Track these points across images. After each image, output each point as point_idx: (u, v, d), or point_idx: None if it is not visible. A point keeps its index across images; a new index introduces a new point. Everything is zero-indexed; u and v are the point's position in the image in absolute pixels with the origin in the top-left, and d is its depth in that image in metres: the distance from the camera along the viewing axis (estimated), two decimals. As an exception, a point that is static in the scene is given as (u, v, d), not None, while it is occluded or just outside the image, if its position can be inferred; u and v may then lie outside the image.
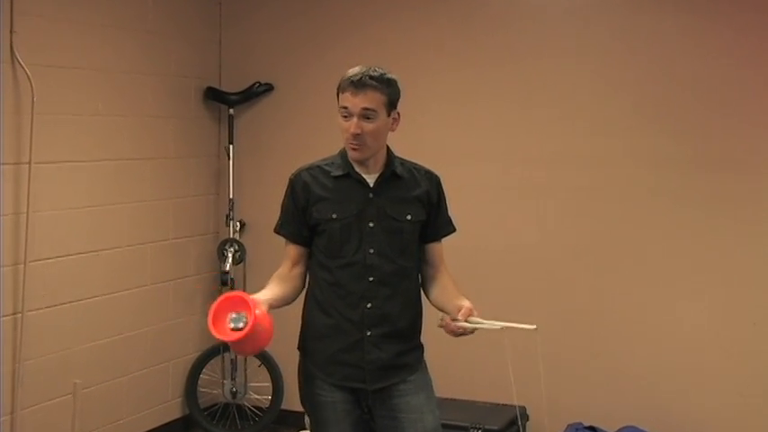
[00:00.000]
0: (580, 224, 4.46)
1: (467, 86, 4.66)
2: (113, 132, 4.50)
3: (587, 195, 4.44)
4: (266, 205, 4.37)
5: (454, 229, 3.00)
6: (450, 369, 4.32)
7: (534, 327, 2.63)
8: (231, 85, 5.10)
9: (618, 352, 4.38)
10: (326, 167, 2.87)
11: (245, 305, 2.50)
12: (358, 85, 2.71)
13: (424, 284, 2.95)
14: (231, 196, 5.05)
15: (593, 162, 4.41)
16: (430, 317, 2.88)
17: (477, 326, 2.70)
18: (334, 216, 2.80)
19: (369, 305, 2.80)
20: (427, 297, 2.94)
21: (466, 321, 2.71)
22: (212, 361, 5.07)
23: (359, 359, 2.81)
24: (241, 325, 2.48)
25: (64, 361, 4.25)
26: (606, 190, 4.40)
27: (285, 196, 2.91)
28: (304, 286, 2.91)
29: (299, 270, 2.89)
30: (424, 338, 2.93)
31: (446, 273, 2.95)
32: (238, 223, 5.04)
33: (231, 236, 5.02)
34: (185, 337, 5.01)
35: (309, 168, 2.89)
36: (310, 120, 4.95)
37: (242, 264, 5.00)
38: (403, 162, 2.92)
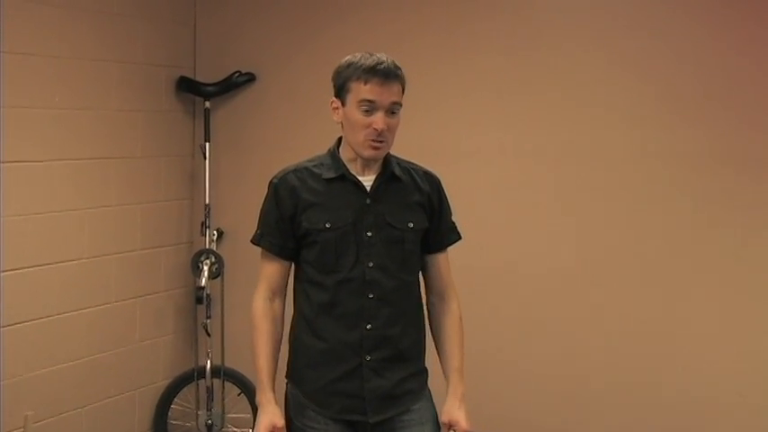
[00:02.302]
0: (614, 234, 4.40)
1: (473, 76, 4.59)
2: (72, 128, 4.43)
3: (625, 197, 4.39)
4: (247, 211, 4.55)
5: (459, 237, 2.97)
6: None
7: None
8: (207, 75, 5.07)
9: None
10: (315, 169, 2.82)
11: None
12: (387, 74, 2.67)
13: (429, 316, 2.94)
14: (207, 201, 5.00)
15: (627, 160, 4.37)
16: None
17: None
18: (327, 225, 2.76)
19: (368, 326, 2.77)
20: (431, 331, 2.94)
21: None
22: (185, 389, 5.01)
23: (358, 388, 2.78)
24: None
25: (13, 390, 4.18)
26: (645, 191, 4.35)
27: (266, 202, 2.86)
28: (282, 326, 2.89)
29: (280, 303, 2.85)
30: (427, 361, 2.93)
31: (455, 313, 2.92)
32: (215, 232, 5.01)
33: (207, 246, 4.96)
34: (154, 361, 4.97)
35: (296, 170, 2.84)
36: (297, 114, 4.91)
37: (219, 278, 4.95)
38: (399, 161, 2.89)
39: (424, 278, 2.94)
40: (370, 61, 2.68)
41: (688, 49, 4.23)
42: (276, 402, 2.75)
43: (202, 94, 5.01)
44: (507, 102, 4.53)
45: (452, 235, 2.95)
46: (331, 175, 2.79)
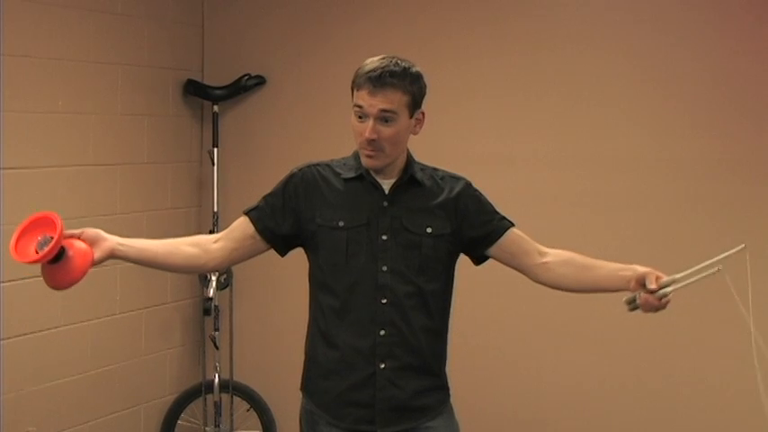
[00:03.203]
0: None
1: (496, 78, 4.57)
2: (75, 133, 4.44)
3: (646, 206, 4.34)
4: None
5: (512, 224, 2.89)
6: (482, 417, 4.22)
7: (742, 245, 2.60)
8: (215, 78, 5.06)
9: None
10: (337, 168, 2.85)
11: (52, 226, 2.49)
12: (376, 82, 2.66)
13: (547, 279, 2.86)
14: (215, 209, 5.00)
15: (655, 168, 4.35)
16: (456, 355, 2.88)
17: (686, 282, 2.64)
18: (341, 224, 2.76)
19: (382, 332, 2.75)
20: (562, 287, 2.86)
21: (661, 289, 2.65)
22: (192, 404, 4.99)
23: (370, 397, 2.77)
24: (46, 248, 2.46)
25: (14, 405, 4.18)
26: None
27: (277, 185, 2.84)
28: (205, 267, 2.86)
29: (221, 246, 2.80)
30: (453, 380, 2.89)
31: (559, 250, 2.84)
32: None
33: None
34: (160, 375, 4.96)
35: (319, 165, 2.86)
36: (308, 118, 4.90)
37: (228, 289, 4.95)
38: (423, 167, 2.88)
39: (512, 263, 2.86)
40: (367, 66, 2.70)
41: (707, 56, 4.23)
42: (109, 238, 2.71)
43: (211, 98, 5.01)
44: (515, 108, 4.54)
45: (505, 222, 2.87)
46: (350, 174, 2.80)
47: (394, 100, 2.68)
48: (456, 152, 4.42)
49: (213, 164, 4.98)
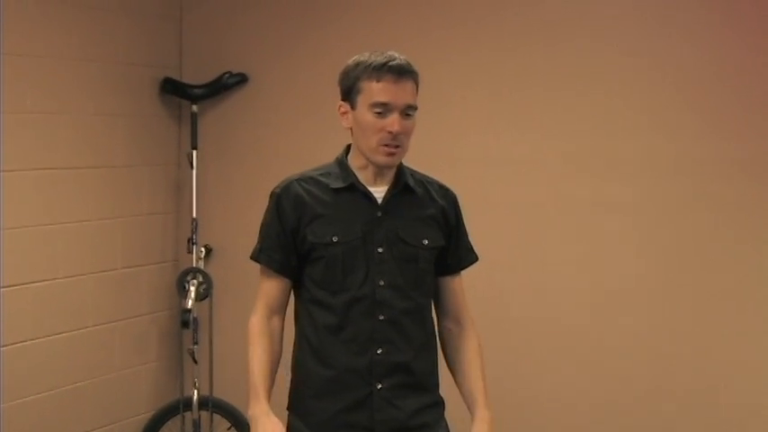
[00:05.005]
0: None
1: (480, 76, 4.57)
2: (44, 135, 4.43)
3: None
4: (238, 226, 4.56)
5: (477, 258, 3.02)
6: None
7: None
8: (194, 76, 5.06)
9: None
10: (322, 178, 2.84)
11: None
12: (400, 72, 2.69)
13: (442, 340, 2.97)
14: (194, 215, 5.00)
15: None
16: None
17: None
18: (334, 239, 2.76)
19: (379, 350, 2.77)
20: (443, 354, 2.97)
21: None
22: (169, 422, 4.95)
23: (367, 419, 2.78)
24: None
25: None
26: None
27: (267, 213, 2.86)
28: (281, 343, 2.90)
29: (279, 321, 2.86)
30: (443, 391, 2.93)
31: (471, 334, 2.95)
32: (203, 249, 5.02)
33: (194, 264, 4.97)
34: (135, 392, 4.96)
35: (301, 179, 2.85)
36: (293, 119, 4.91)
37: (207, 299, 4.93)
38: (413, 172, 2.91)
39: (436, 302, 2.96)
40: (381, 58, 2.70)
41: (718, 54, 4.24)
42: (272, 414, 2.74)
43: (189, 97, 5.01)
44: (515, 108, 4.53)
45: (470, 255, 2.99)
46: (339, 184, 2.80)
47: (413, 92, 2.74)
48: (445, 153, 4.49)
49: (192, 167, 4.97)
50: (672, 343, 4.32)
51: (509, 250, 4.55)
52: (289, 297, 2.88)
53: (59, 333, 4.48)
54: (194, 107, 4.99)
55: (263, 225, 2.86)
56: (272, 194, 2.84)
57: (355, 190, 2.79)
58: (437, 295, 2.95)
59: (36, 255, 4.38)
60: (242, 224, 4.68)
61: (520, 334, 4.47)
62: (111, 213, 4.75)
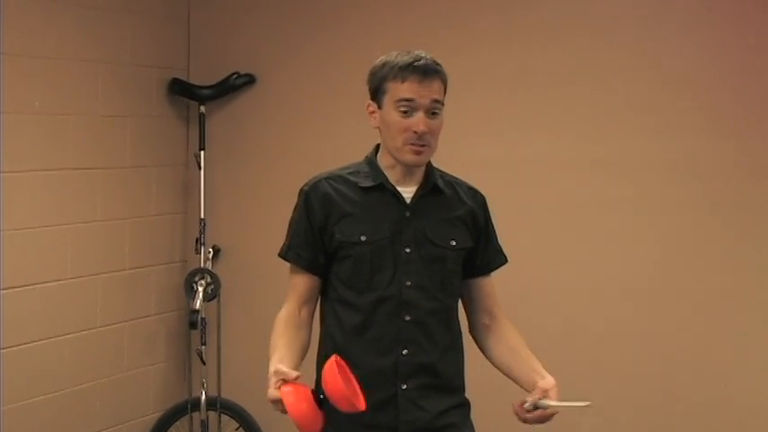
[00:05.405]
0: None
1: (498, 76, 4.57)
2: (53, 136, 4.42)
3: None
4: (246, 227, 4.53)
5: (506, 260, 3.01)
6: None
7: (588, 403, 2.70)
8: (202, 77, 5.05)
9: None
10: (350, 177, 2.84)
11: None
12: (426, 71, 2.70)
13: (479, 338, 2.96)
14: (202, 215, 4.99)
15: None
16: (473, 365, 2.92)
17: (558, 408, 2.74)
18: (363, 238, 2.77)
19: (404, 351, 2.77)
20: (484, 354, 2.94)
21: (537, 406, 2.73)
22: (177, 423, 4.96)
23: (392, 419, 2.77)
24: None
25: None
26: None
27: (295, 211, 2.86)
28: (310, 336, 2.88)
29: (308, 312, 2.85)
30: (469, 394, 2.92)
31: (508, 322, 2.94)
32: (211, 249, 4.99)
33: (202, 265, 4.95)
34: (144, 392, 4.95)
35: (329, 178, 2.85)
36: (301, 119, 4.88)
37: (215, 300, 4.91)
38: (442, 174, 2.90)
39: (468, 303, 2.95)
40: (407, 58, 2.72)
41: (722, 55, 4.25)
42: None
43: (197, 98, 5.01)
44: (516, 108, 4.53)
45: (500, 257, 2.97)
46: (368, 183, 2.80)
47: (440, 90, 2.74)
48: (445, 153, 4.44)
49: (200, 168, 4.97)
50: (672, 343, 4.32)
51: (509, 250, 4.49)
52: (318, 294, 2.88)
53: (68, 333, 4.48)
54: (202, 108, 4.99)
55: (291, 223, 2.87)
56: (301, 192, 2.84)
57: (384, 189, 2.80)
58: (470, 297, 2.94)
59: (44, 255, 4.37)
60: (250, 225, 4.69)
61: (522, 334, 4.48)
62: (120, 214, 4.74)
